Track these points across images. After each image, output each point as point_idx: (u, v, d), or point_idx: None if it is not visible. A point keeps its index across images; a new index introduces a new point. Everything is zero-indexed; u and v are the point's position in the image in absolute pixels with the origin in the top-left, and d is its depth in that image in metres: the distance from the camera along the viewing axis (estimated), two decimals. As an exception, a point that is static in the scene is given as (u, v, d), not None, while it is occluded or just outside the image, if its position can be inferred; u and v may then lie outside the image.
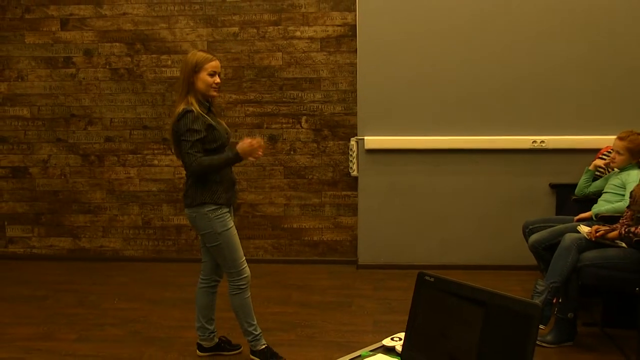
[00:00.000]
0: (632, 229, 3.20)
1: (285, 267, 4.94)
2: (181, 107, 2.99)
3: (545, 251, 3.64)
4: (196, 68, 2.99)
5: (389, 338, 1.72)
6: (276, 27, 4.87)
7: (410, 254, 4.80)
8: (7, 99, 5.16)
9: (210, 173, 3.01)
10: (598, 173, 4.07)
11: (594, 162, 4.06)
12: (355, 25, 4.73)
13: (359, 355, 1.64)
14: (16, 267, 5.08)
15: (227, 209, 3.10)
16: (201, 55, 3.03)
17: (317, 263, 5.01)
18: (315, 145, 4.96)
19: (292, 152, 4.98)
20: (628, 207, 3.41)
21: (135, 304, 4.17)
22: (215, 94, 3.07)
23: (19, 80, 5.13)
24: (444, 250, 4.79)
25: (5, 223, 5.29)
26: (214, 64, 3.03)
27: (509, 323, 1.42)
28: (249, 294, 3.17)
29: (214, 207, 3.03)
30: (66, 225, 5.23)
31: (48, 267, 5.05)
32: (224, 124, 3.18)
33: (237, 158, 3.03)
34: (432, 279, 1.58)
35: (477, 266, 4.70)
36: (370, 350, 1.67)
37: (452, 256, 4.76)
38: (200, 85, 3.00)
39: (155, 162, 5.09)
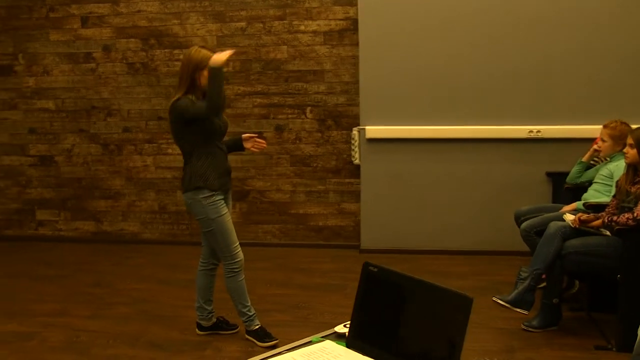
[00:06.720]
0: (615, 217, 3.09)
1: (292, 250, 4.93)
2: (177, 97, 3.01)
3: (537, 235, 3.52)
4: (201, 65, 2.96)
5: (341, 325, 1.69)
6: (281, 22, 4.82)
7: (409, 239, 4.74)
8: (34, 92, 5.25)
9: (218, 95, 2.84)
10: (593, 162, 3.93)
11: (590, 152, 3.89)
12: (357, 19, 4.65)
13: (310, 341, 1.61)
14: (46, 248, 5.20)
15: (221, 196, 3.10)
16: (205, 52, 2.99)
17: (322, 247, 4.98)
18: (319, 134, 4.92)
19: (297, 142, 4.96)
20: (613, 196, 3.31)
21: (147, 285, 4.23)
22: None
23: (45, 75, 5.21)
24: (441, 235, 4.71)
25: (35, 207, 5.41)
26: None
27: (443, 312, 1.40)
28: (243, 276, 3.18)
29: (208, 194, 3.04)
30: (89, 209, 5.32)
31: (73, 249, 5.16)
32: (224, 116, 3.17)
33: (216, 70, 2.82)
34: (375, 269, 1.54)
35: (473, 252, 4.61)
36: (322, 337, 1.65)
37: (450, 241, 4.68)
38: (204, 81, 2.96)
39: (170, 150, 5.13)
